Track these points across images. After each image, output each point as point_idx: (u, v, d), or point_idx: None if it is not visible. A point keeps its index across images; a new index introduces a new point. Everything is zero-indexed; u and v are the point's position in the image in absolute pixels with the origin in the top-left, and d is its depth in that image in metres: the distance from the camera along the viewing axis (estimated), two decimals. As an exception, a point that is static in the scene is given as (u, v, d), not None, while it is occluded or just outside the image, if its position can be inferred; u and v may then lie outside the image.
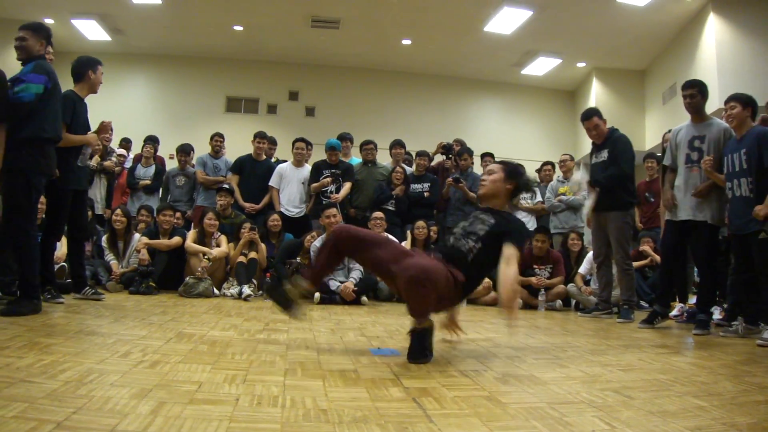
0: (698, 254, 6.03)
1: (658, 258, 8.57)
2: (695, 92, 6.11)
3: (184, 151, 10.20)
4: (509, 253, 3.71)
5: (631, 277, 6.88)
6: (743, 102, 5.49)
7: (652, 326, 5.87)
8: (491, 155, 10.42)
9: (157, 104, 16.36)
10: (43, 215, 6.25)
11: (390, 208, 8.94)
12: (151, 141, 10.38)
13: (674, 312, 6.75)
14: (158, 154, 10.65)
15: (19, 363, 2.88)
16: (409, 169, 9.73)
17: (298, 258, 7.92)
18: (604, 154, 6.85)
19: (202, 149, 10.65)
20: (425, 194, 9.20)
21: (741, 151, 5.37)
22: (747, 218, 5.26)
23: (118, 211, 7.91)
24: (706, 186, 5.87)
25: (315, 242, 7.69)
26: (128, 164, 10.46)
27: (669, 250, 6.36)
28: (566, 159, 9.85)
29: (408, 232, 8.83)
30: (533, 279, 7.98)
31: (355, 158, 10.09)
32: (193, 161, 10.25)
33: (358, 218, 8.55)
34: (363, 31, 14.80)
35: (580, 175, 8.28)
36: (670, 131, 6.69)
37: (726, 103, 5.65)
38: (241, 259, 7.75)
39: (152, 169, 9.89)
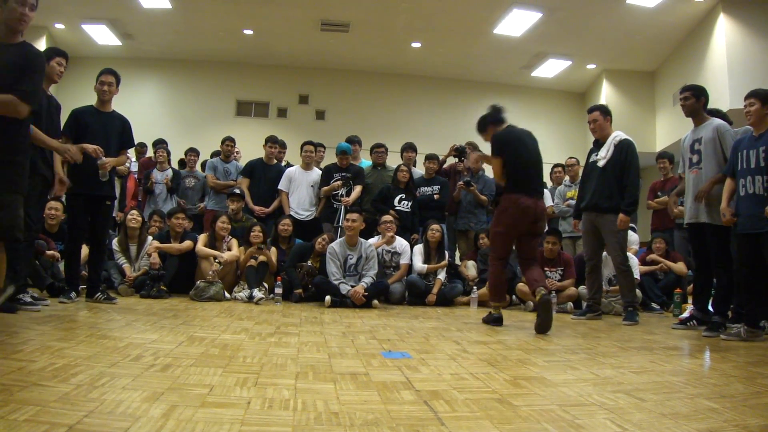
0: (711, 256, 5.99)
1: (669, 263, 8.52)
2: (689, 95, 6.14)
3: (194, 151, 10.26)
4: None
5: (630, 278, 6.82)
6: (762, 98, 5.37)
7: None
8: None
9: (168, 108, 16.39)
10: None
11: (405, 209, 8.93)
12: (161, 144, 10.39)
13: (684, 314, 6.69)
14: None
15: (32, 366, 2.90)
16: (419, 172, 9.72)
17: (309, 261, 7.94)
18: (603, 154, 6.73)
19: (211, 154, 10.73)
20: (435, 196, 9.19)
21: (759, 149, 5.26)
22: (759, 217, 5.19)
23: (134, 212, 7.95)
24: (706, 188, 5.87)
25: (334, 245, 7.70)
26: (134, 168, 10.48)
27: (695, 256, 6.36)
28: (573, 163, 9.82)
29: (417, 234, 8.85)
30: (544, 281, 7.95)
31: (365, 161, 10.07)
32: (197, 166, 10.30)
33: (368, 222, 8.52)
34: (373, 34, 14.80)
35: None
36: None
37: (745, 99, 5.54)
38: (251, 262, 7.75)
39: (169, 173, 9.91)
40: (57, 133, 5.72)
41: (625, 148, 6.64)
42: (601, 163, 6.73)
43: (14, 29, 3.95)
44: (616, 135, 6.78)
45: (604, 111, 6.95)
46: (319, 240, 8.06)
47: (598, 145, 6.96)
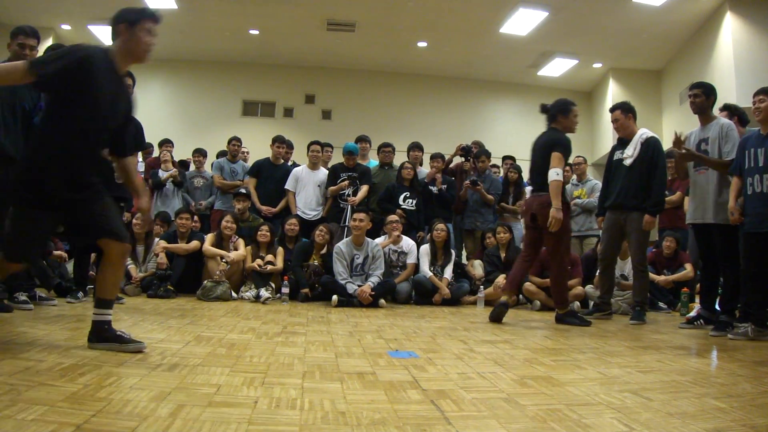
0: (718, 255, 5.98)
1: (675, 278, 8.45)
2: (699, 92, 6.11)
3: (200, 152, 10.25)
4: None
5: (645, 279, 6.79)
6: None
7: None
8: (512, 158, 10.42)
9: (174, 109, 16.42)
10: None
11: (410, 207, 8.92)
12: (167, 145, 10.38)
13: (692, 314, 6.67)
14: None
15: (39, 366, 2.90)
16: (425, 171, 9.71)
17: (313, 259, 7.93)
18: (630, 152, 6.69)
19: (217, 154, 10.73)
20: (441, 187, 9.16)
21: (767, 147, 5.25)
22: (765, 216, 5.17)
23: (139, 215, 7.91)
24: (706, 160, 5.94)
25: (340, 245, 7.72)
26: (141, 168, 10.47)
27: (702, 256, 6.36)
28: (580, 162, 9.79)
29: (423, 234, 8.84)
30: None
31: (373, 161, 10.06)
32: (205, 166, 10.30)
33: (375, 221, 8.51)
34: (379, 33, 14.80)
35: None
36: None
37: (755, 95, 5.49)
38: (258, 262, 7.75)
39: (173, 173, 9.87)
40: None
41: (652, 146, 6.60)
42: (627, 162, 6.68)
43: (139, 60, 3.83)
44: (643, 133, 6.74)
45: (625, 109, 6.87)
46: (317, 232, 8.07)
47: (622, 143, 6.90)
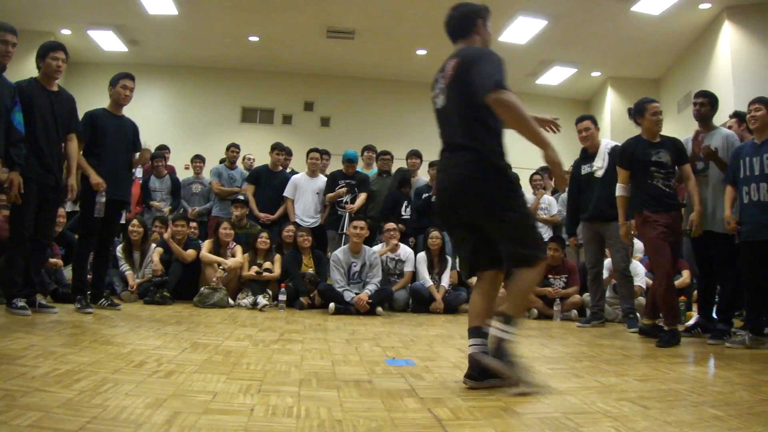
0: (716, 264, 5.99)
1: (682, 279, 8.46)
2: (705, 102, 6.15)
3: (200, 158, 10.25)
4: None
5: (630, 284, 6.85)
6: None
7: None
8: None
9: (173, 115, 16.39)
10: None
11: (408, 216, 8.93)
12: (161, 151, 10.35)
13: (690, 322, 6.67)
14: (170, 164, 10.58)
15: (35, 372, 2.90)
16: (424, 179, 9.71)
17: (309, 269, 7.93)
18: (599, 164, 6.82)
19: (216, 160, 10.71)
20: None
21: (763, 156, 5.24)
22: (762, 224, 5.18)
23: (135, 221, 7.87)
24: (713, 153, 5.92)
25: (338, 252, 7.72)
26: (139, 174, 10.45)
27: (699, 264, 6.37)
28: None
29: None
30: (549, 289, 7.86)
31: (376, 170, 10.05)
32: (203, 173, 10.30)
33: (373, 229, 8.51)
34: (378, 41, 14.79)
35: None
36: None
37: (751, 104, 5.51)
38: (255, 269, 7.74)
39: (166, 180, 9.81)
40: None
41: (618, 154, 6.65)
42: (600, 173, 6.80)
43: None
44: (607, 143, 6.97)
45: (595, 120, 7.11)
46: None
47: (586, 155, 7.08)
